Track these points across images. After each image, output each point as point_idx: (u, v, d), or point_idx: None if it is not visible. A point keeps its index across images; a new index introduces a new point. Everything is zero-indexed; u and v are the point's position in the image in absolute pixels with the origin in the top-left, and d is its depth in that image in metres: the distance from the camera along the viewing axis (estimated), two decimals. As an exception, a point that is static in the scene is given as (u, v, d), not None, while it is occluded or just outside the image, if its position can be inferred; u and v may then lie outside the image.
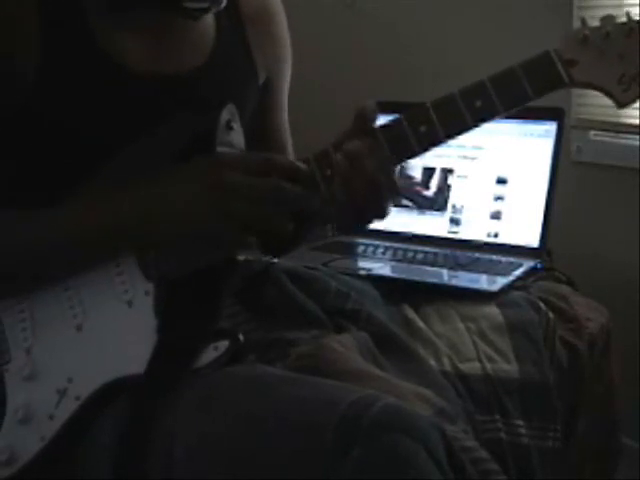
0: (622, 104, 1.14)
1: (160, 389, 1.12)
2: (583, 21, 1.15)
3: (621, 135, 2.19)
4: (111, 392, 1.12)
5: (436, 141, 1.15)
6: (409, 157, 1.16)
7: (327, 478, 0.99)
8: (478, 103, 1.13)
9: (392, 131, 1.15)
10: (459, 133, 1.15)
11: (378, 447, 0.99)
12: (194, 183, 1.10)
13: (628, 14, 1.13)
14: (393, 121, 1.16)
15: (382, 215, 1.16)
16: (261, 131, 1.37)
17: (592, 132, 2.24)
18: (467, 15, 2.45)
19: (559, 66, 1.12)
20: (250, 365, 1.25)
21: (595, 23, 1.15)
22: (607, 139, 2.22)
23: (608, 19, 1.14)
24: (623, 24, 1.13)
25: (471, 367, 1.48)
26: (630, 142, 2.16)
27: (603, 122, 2.22)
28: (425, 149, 1.15)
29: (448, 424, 1.21)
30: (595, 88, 1.15)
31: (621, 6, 2.19)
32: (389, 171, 1.13)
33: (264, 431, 1.05)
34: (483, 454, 1.22)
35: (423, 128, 1.14)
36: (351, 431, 1.00)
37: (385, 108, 2.08)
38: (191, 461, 1.07)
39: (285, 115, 1.42)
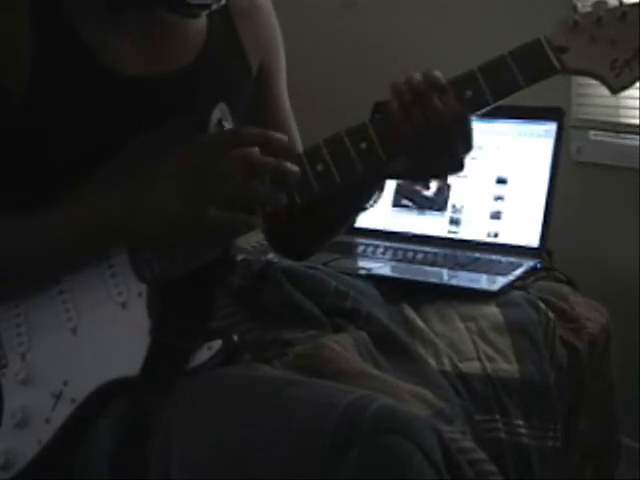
0: (615, 89, 1.12)
1: (156, 390, 1.12)
2: (574, 7, 1.13)
3: (621, 135, 2.19)
4: (107, 394, 1.12)
5: None
6: None
7: (324, 479, 0.99)
8: (468, 93, 1.11)
9: None
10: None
11: (375, 448, 0.99)
12: (170, 176, 1.09)
13: None
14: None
15: (458, 166, 1.15)
16: (265, 125, 1.37)
17: (592, 132, 2.24)
18: (467, 15, 2.45)
19: (550, 53, 1.11)
20: (247, 365, 1.25)
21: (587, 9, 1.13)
22: (607, 139, 2.22)
23: (599, 4, 1.12)
24: (614, 9, 1.11)
25: (471, 367, 1.48)
26: (630, 142, 2.16)
27: (603, 122, 2.22)
28: None
29: (446, 425, 1.21)
30: (587, 74, 1.13)
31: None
32: (461, 117, 1.12)
33: (261, 432, 1.05)
34: (480, 455, 1.22)
35: None
36: (348, 433, 1.00)
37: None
38: (188, 462, 1.07)
39: (287, 106, 1.40)
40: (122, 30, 1.18)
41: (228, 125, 1.17)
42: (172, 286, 1.13)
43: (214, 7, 1.18)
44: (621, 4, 1.11)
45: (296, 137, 1.40)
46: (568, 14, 1.13)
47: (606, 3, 1.12)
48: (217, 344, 1.13)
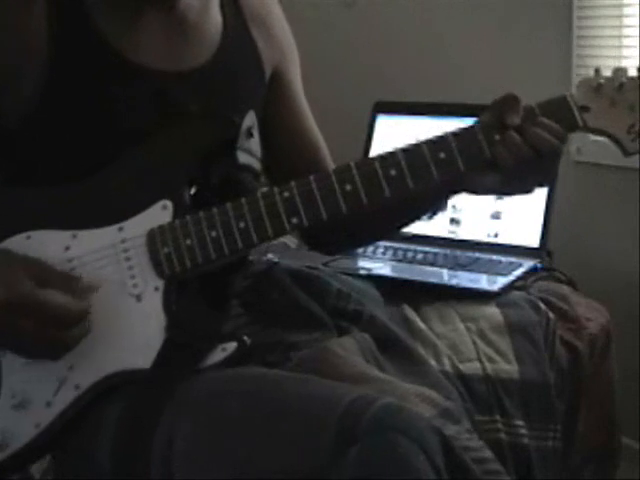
0: (628, 152, 1.18)
1: (162, 386, 1.12)
2: (597, 70, 1.19)
3: (621, 135, 2.19)
4: (112, 384, 1.12)
5: None
6: None
7: (326, 477, 0.99)
8: (497, 137, 1.16)
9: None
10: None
11: (377, 446, 0.99)
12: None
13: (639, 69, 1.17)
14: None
15: (552, 176, 1.20)
16: (284, 130, 1.38)
17: (592, 132, 2.24)
18: (466, 15, 2.46)
19: (575, 110, 1.17)
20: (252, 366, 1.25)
21: (607, 73, 1.19)
22: (607, 139, 2.22)
23: (620, 71, 1.18)
24: (635, 78, 1.17)
25: (471, 367, 1.48)
26: (630, 142, 2.16)
27: (603, 122, 2.22)
28: None
29: (453, 425, 1.21)
30: (605, 135, 1.19)
31: (620, 6, 2.19)
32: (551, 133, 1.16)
33: (264, 429, 1.05)
34: (487, 454, 1.21)
35: None
36: (350, 430, 1.00)
37: (385, 108, 2.09)
38: (191, 458, 1.07)
39: (305, 107, 1.41)
40: (142, 27, 1.20)
41: (256, 134, 1.20)
42: (189, 285, 1.14)
43: None
44: None
45: (319, 137, 1.42)
46: (592, 76, 1.19)
47: (626, 70, 1.18)
48: (232, 346, 1.13)
